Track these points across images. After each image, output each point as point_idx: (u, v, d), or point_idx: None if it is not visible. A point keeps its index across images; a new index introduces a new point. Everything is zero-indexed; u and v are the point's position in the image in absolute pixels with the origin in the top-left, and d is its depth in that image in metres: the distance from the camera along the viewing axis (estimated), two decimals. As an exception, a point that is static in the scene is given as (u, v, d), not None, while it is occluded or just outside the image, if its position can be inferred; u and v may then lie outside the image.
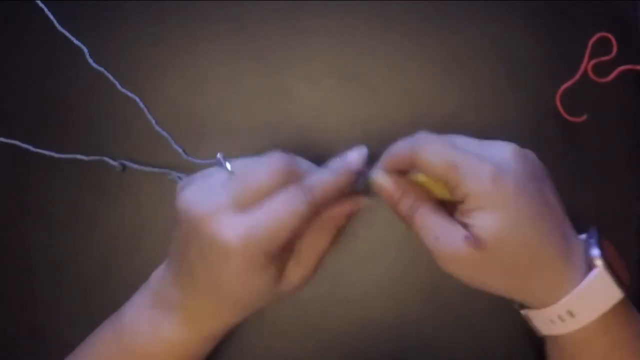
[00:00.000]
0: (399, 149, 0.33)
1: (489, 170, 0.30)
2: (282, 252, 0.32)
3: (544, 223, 0.31)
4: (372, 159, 0.42)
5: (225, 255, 0.30)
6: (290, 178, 0.31)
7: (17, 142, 0.42)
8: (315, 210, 0.32)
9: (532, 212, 0.31)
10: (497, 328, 0.41)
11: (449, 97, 0.42)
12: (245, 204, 0.31)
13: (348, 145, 0.41)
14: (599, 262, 0.31)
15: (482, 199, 0.30)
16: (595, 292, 0.31)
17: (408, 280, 0.41)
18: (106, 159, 0.41)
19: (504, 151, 0.32)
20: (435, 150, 0.32)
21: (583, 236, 0.34)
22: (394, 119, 0.42)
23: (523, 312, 0.35)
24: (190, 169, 0.41)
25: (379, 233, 0.41)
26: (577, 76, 0.41)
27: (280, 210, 0.30)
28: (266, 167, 0.31)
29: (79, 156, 0.41)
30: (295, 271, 0.34)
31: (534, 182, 0.32)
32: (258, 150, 0.41)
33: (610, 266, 0.31)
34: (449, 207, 0.34)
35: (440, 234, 0.32)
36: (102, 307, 0.37)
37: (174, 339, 0.34)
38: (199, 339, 0.34)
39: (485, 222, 0.30)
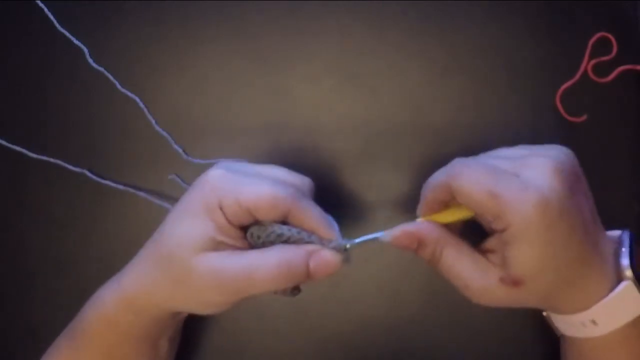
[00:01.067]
0: (437, 181, 0.31)
1: (533, 200, 0.28)
2: (236, 235, 0.32)
3: (581, 244, 0.30)
4: (372, 158, 0.42)
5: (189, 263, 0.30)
6: (288, 214, 0.31)
7: (16, 147, 0.42)
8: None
9: (571, 240, 0.29)
10: (497, 328, 0.41)
11: (449, 97, 0.42)
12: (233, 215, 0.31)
13: (348, 145, 0.41)
14: (629, 274, 0.30)
15: (525, 231, 0.29)
16: (621, 304, 0.31)
17: (408, 280, 0.41)
18: (87, 172, 0.41)
19: (543, 168, 0.29)
20: (473, 178, 0.29)
21: (615, 233, 0.33)
22: (394, 119, 0.42)
23: (545, 314, 0.35)
24: (190, 169, 0.41)
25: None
26: (577, 76, 0.41)
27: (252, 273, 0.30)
28: (271, 197, 0.30)
29: (61, 162, 0.41)
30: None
31: (573, 200, 0.30)
32: (258, 150, 0.41)
33: (637, 276, 0.31)
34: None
35: (471, 276, 0.31)
36: (102, 307, 0.37)
37: (105, 303, 0.33)
38: (121, 300, 0.33)
39: (525, 257, 0.29)
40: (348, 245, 0.31)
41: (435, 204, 0.32)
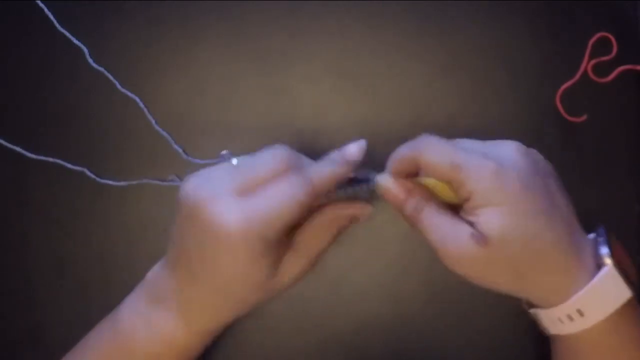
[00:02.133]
0: (403, 153, 0.34)
1: (492, 168, 0.31)
2: (280, 244, 0.32)
3: (550, 220, 0.31)
4: (372, 159, 0.42)
5: (222, 239, 0.30)
6: (292, 170, 0.32)
7: (16, 147, 0.42)
8: (314, 199, 0.32)
9: (536, 208, 0.31)
10: (497, 328, 0.41)
11: (449, 97, 0.42)
12: (246, 191, 0.31)
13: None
14: (608, 261, 0.31)
15: (486, 195, 0.31)
16: (605, 290, 0.31)
17: (408, 280, 0.41)
18: (86, 170, 0.41)
19: (507, 149, 0.32)
20: (438, 152, 0.32)
21: (591, 235, 0.34)
22: (394, 119, 0.42)
23: (532, 311, 0.35)
24: (190, 169, 0.41)
25: (379, 233, 0.41)
26: (577, 76, 0.41)
27: (279, 197, 0.30)
28: (270, 157, 0.32)
29: (60, 161, 0.41)
30: (293, 264, 0.34)
31: (538, 178, 0.32)
32: (258, 150, 0.41)
33: (619, 265, 0.31)
34: (457, 210, 0.34)
35: (446, 233, 0.32)
36: (102, 307, 0.37)
37: (167, 332, 0.33)
38: (192, 333, 0.34)
39: (489, 218, 0.31)
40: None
41: (399, 175, 0.34)
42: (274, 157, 0.32)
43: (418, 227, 0.34)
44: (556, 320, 0.32)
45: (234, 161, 0.33)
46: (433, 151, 0.32)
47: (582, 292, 0.31)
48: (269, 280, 0.32)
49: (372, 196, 0.35)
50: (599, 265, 0.31)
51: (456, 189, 0.32)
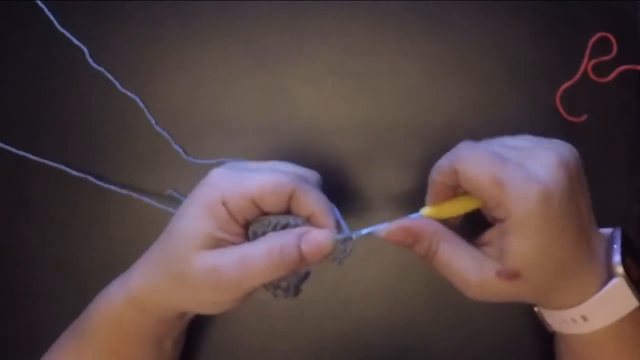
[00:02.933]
0: (443, 165, 0.31)
1: (536, 192, 0.28)
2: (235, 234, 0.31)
3: (576, 240, 0.30)
4: (372, 159, 0.42)
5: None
6: (290, 199, 0.31)
7: (15, 149, 0.42)
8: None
9: (567, 235, 0.29)
10: (497, 328, 0.41)
11: (449, 97, 0.42)
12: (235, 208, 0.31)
13: (348, 145, 0.41)
14: (619, 271, 0.30)
15: (525, 222, 0.29)
16: (612, 300, 0.31)
17: (408, 280, 0.41)
18: (90, 177, 0.41)
19: (549, 162, 0.29)
20: (479, 163, 0.29)
21: (607, 230, 0.33)
22: (394, 119, 0.42)
23: (536, 309, 0.35)
24: (190, 169, 0.41)
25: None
26: (577, 76, 0.41)
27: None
28: (274, 182, 0.30)
29: (64, 168, 0.41)
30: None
31: (573, 197, 0.30)
32: (258, 150, 0.41)
33: (630, 272, 0.30)
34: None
35: (468, 272, 0.30)
36: (102, 307, 0.37)
37: (107, 299, 0.34)
38: (126, 301, 0.33)
39: (523, 249, 0.29)
40: (342, 237, 0.31)
41: (442, 188, 0.32)
42: (274, 187, 0.30)
43: (434, 265, 0.32)
44: (560, 321, 0.32)
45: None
46: (474, 161, 0.29)
47: (589, 302, 0.30)
48: (210, 256, 0.30)
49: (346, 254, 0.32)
50: (610, 272, 0.31)
51: (491, 207, 0.30)
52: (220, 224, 0.30)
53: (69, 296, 0.41)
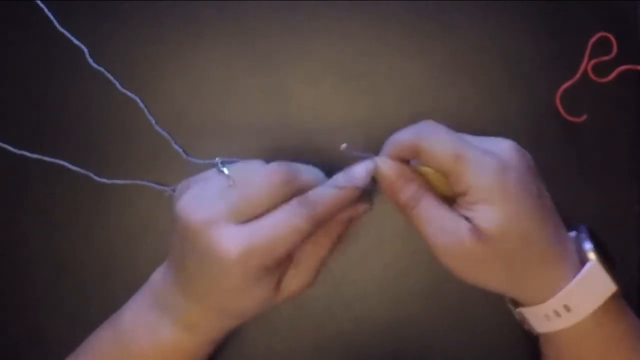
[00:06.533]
0: (404, 137, 0.33)
1: (495, 164, 0.31)
2: (280, 263, 0.32)
3: (542, 218, 0.32)
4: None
5: (223, 267, 0.30)
6: (291, 189, 0.31)
7: (14, 148, 0.42)
8: (317, 226, 0.32)
9: (531, 207, 0.31)
10: (497, 328, 0.41)
11: (449, 97, 0.42)
12: (243, 214, 0.31)
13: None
14: (592, 255, 0.32)
15: (486, 192, 0.30)
16: (591, 284, 0.31)
17: (408, 280, 0.41)
18: (91, 174, 0.41)
19: (504, 147, 0.32)
20: (441, 140, 0.31)
21: (572, 233, 0.34)
22: (394, 119, 0.42)
23: (518, 310, 0.35)
24: (190, 169, 0.41)
25: (379, 233, 0.41)
26: (577, 76, 0.41)
27: (280, 226, 0.30)
28: (266, 177, 0.31)
29: (65, 164, 0.41)
30: (294, 280, 0.34)
31: (533, 179, 0.32)
32: (258, 150, 0.41)
33: (602, 259, 0.32)
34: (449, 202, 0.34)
35: (443, 227, 0.32)
36: (102, 307, 0.37)
37: (171, 341, 0.34)
38: (196, 343, 0.34)
39: (487, 215, 0.30)
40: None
41: (396, 160, 0.33)
42: (270, 177, 0.31)
43: (413, 218, 0.33)
44: (543, 317, 0.33)
45: (226, 170, 0.33)
46: (436, 138, 0.31)
47: (568, 287, 0.31)
48: (271, 297, 0.33)
49: (367, 193, 0.33)
50: (583, 261, 0.32)
51: (454, 181, 0.32)
52: (272, 279, 0.32)
53: (69, 296, 0.41)
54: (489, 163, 0.31)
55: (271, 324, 0.41)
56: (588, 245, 0.32)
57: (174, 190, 0.41)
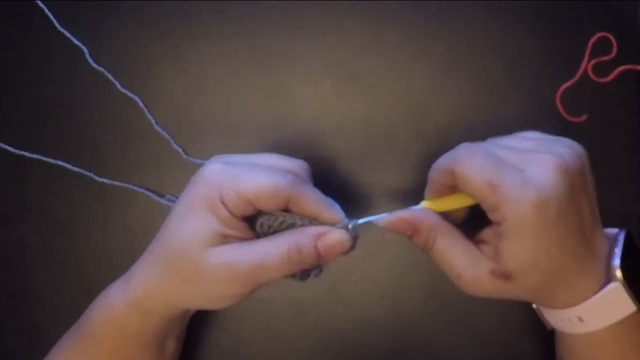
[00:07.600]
0: (442, 163, 0.31)
1: (533, 198, 0.28)
2: (239, 227, 0.32)
3: (575, 246, 0.30)
4: (372, 158, 0.42)
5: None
6: (284, 202, 0.31)
7: (14, 148, 0.42)
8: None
9: (564, 241, 0.29)
10: (497, 328, 0.41)
11: (449, 97, 0.42)
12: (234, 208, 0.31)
13: (348, 145, 0.41)
14: (618, 275, 0.30)
15: (520, 227, 0.28)
16: (610, 303, 0.31)
17: (408, 280, 0.41)
18: (92, 174, 0.41)
19: (548, 166, 0.29)
20: (476, 166, 0.29)
21: (612, 231, 0.33)
22: (394, 119, 0.42)
23: (534, 306, 0.35)
24: (190, 169, 0.41)
25: (379, 233, 0.41)
26: (577, 76, 0.41)
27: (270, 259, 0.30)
28: (271, 186, 0.31)
29: (66, 164, 0.41)
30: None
31: (573, 201, 0.29)
32: (258, 150, 0.41)
33: (629, 276, 0.30)
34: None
35: (464, 267, 0.31)
36: (102, 307, 0.37)
37: (110, 304, 0.34)
38: (130, 306, 0.33)
39: (517, 255, 0.29)
40: (350, 226, 0.32)
41: (440, 187, 0.32)
42: (275, 188, 0.31)
43: (430, 256, 0.32)
44: (557, 319, 0.33)
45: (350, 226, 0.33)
46: (470, 164, 0.29)
47: (586, 303, 0.30)
48: (217, 255, 0.31)
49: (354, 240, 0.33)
50: (610, 275, 0.31)
51: (488, 209, 0.30)
52: (224, 222, 0.31)
53: (69, 296, 0.41)
54: (526, 195, 0.28)
55: (271, 324, 0.41)
56: (616, 262, 0.30)
57: (172, 200, 0.41)
